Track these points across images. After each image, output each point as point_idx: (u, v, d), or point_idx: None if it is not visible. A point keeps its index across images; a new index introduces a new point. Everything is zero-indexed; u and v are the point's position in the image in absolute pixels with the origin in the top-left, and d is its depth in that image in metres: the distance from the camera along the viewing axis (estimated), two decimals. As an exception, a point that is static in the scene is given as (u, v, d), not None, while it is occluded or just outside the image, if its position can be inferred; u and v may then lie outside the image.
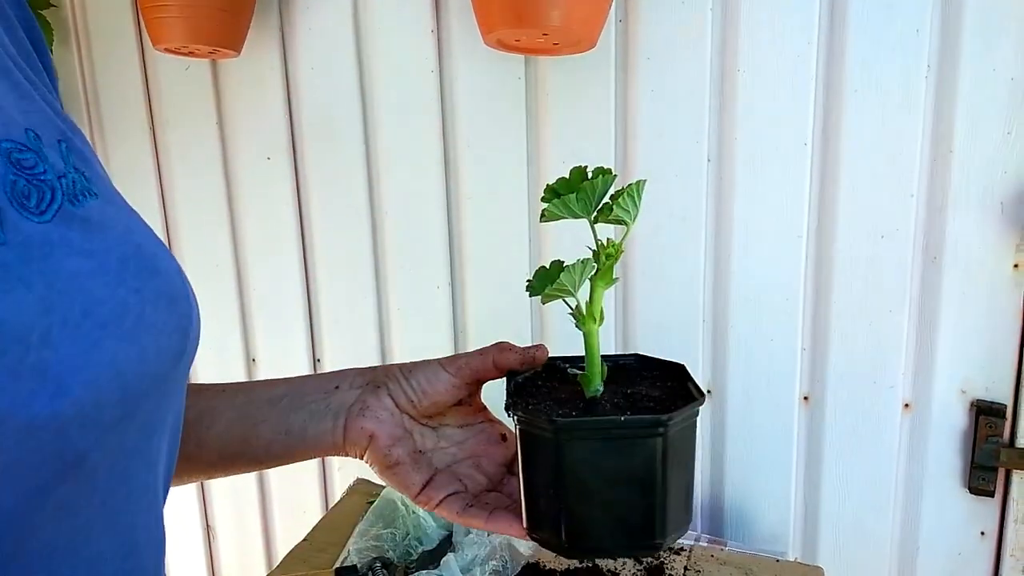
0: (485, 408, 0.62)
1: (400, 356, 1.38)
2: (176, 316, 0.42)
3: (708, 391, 1.19)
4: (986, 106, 0.99)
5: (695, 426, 0.52)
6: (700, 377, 1.19)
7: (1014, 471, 1.07)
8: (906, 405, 1.11)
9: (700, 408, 0.52)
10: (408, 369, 0.60)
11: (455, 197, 1.27)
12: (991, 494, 1.09)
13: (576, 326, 0.53)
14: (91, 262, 0.38)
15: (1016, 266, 1.02)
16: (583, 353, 0.55)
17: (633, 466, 0.50)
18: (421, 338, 1.35)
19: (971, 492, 1.10)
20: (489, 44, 1.04)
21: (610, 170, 0.52)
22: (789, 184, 1.09)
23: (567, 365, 0.60)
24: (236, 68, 1.35)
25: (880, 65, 1.02)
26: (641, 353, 0.61)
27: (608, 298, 1.18)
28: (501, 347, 0.59)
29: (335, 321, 1.41)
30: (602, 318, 0.54)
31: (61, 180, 0.39)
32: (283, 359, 1.47)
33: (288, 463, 0.61)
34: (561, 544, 0.50)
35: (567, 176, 0.53)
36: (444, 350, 1.33)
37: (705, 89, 1.10)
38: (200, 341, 0.48)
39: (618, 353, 0.61)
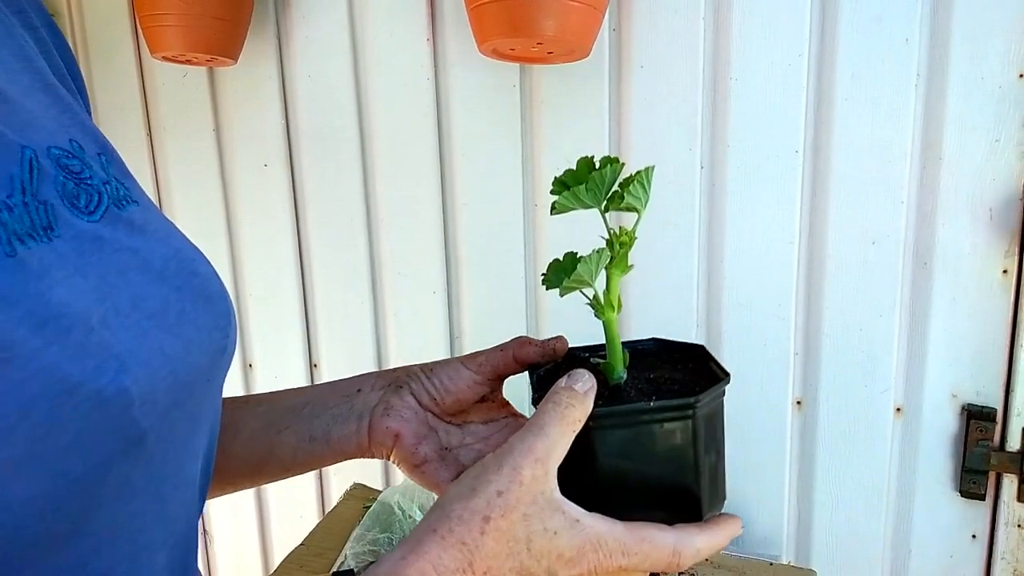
0: (508, 403, 0.62)
1: (396, 361, 1.38)
2: (214, 315, 0.44)
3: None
4: (974, 114, 1.01)
5: (723, 405, 0.52)
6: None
7: (1004, 474, 1.09)
8: (898, 409, 1.12)
9: (726, 387, 0.52)
10: (429, 368, 0.60)
11: (451, 204, 1.28)
12: (982, 497, 1.10)
13: (595, 315, 0.53)
14: (136, 259, 0.40)
15: (1005, 272, 1.04)
16: (600, 342, 0.55)
17: (666, 449, 0.50)
18: (417, 343, 1.36)
19: (962, 495, 1.11)
20: (484, 53, 1.05)
21: (617, 159, 0.52)
22: (781, 191, 1.10)
23: (587, 355, 0.59)
24: (233, 76, 1.36)
25: (870, 74, 1.04)
26: (659, 337, 0.61)
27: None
28: (521, 341, 0.59)
29: (332, 326, 1.42)
30: (620, 305, 0.54)
31: (106, 186, 0.41)
32: (279, 364, 1.48)
33: (314, 468, 0.61)
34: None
35: (574, 168, 0.53)
36: (440, 355, 1.34)
37: (698, 97, 1.11)
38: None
39: (635, 339, 0.61)
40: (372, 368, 1.40)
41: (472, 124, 1.24)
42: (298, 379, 1.46)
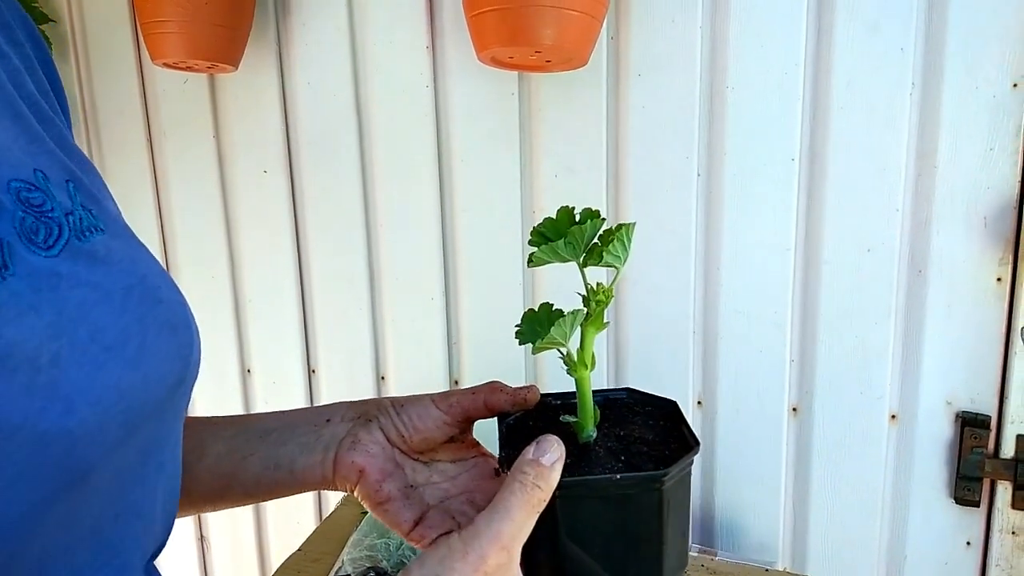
0: (478, 444, 0.61)
1: (394, 367, 1.39)
2: (177, 344, 0.44)
3: (699, 402, 1.21)
4: (969, 123, 1.02)
5: (690, 474, 0.52)
6: (690, 388, 1.20)
7: (998, 481, 1.09)
8: (892, 416, 1.13)
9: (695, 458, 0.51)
10: (400, 403, 0.59)
11: (449, 210, 1.29)
12: (976, 504, 1.10)
13: (568, 373, 0.53)
14: (96, 293, 0.39)
15: (999, 280, 1.04)
16: (574, 390, 0.55)
17: (631, 520, 0.49)
18: (415, 350, 1.36)
19: (957, 502, 1.11)
20: (483, 61, 1.05)
21: (598, 212, 0.51)
22: (777, 198, 1.11)
23: (558, 402, 0.59)
24: (234, 83, 1.37)
25: (865, 83, 1.05)
26: (632, 388, 0.61)
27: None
28: (493, 387, 0.58)
29: (330, 332, 1.43)
30: (594, 363, 0.53)
31: (68, 217, 0.41)
32: (278, 371, 1.48)
33: (278, 497, 0.60)
34: None
35: (554, 216, 0.52)
36: (438, 362, 1.35)
37: (695, 105, 1.12)
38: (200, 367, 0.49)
39: (608, 388, 0.61)
40: (370, 375, 1.40)
41: (471, 132, 1.24)
42: (296, 385, 1.47)
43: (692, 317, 1.18)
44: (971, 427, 1.08)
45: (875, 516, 1.16)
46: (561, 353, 0.52)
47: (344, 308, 1.40)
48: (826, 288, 1.12)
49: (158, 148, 1.46)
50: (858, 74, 1.05)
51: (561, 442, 0.48)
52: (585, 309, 0.52)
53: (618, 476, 0.49)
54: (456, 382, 1.35)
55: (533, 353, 0.52)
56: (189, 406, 0.50)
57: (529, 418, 0.59)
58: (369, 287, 1.37)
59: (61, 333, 0.36)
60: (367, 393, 1.42)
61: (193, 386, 0.48)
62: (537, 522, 0.46)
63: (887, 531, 1.16)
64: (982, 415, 1.08)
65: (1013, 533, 1.10)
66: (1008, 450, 1.08)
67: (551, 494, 0.47)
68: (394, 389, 1.40)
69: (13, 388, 0.33)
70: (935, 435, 1.11)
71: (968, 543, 1.13)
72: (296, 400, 1.47)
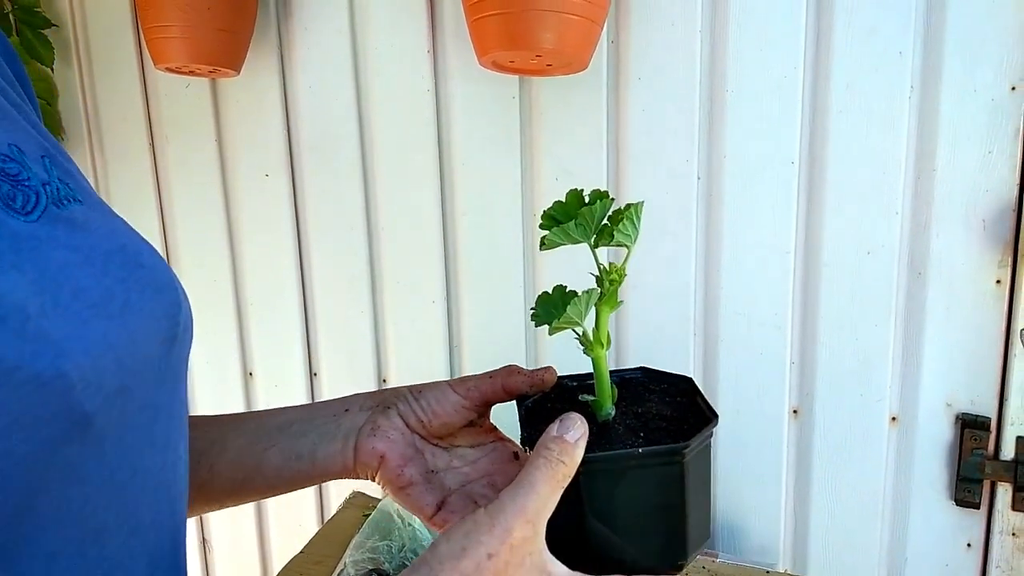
0: (496, 428, 0.62)
1: (396, 370, 1.39)
2: (163, 304, 0.44)
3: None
4: (967, 126, 1.02)
5: (710, 446, 0.53)
6: (691, 391, 1.21)
7: (999, 483, 1.09)
8: (893, 418, 1.13)
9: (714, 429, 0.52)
10: (418, 390, 0.60)
11: (450, 213, 1.29)
12: (976, 506, 1.11)
13: (584, 352, 0.54)
14: (77, 255, 0.40)
15: (999, 282, 1.05)
16: (589, 371, 0.55)
17: (654, 494, 0.50)
18: (417, 352, 1.37)
19: (957, 504, 1.12)
20: (484, 65, 1.06)
21: (607, 193, 0.51)
22: (777, 201, 1.11)
23: (575, 383, 0.60)
24: (235, 87, 1.37)
25: (864, 86, 1.05)
26: (646, 366, 0.62)
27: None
28: (510, 370, 0.59)
29: (332, 335, 1.43)
30: (609, 341, 0.54)
31: (45, 187, 0.41)
32: (280, 373, 1.48)
33: (300, 488, 0.61)
34: (589, 570, 0.50)
35: (563, 200, 0.53)
36: (439, 364, 1.35)
37: (695, 109, 1.13)
38: (195, 337, 0.49)
39: (622, 368, 0.62)
40: (372, 377, 1.41)
41: (472, 135, 1.25)
42: (298, 388, 1.47)
43: (692, 319, 1.19)
44: (971, 429, 1.08)
45: (876, 518, 1.16)
46: (576, 333, 0.53)
47: (345, 311, 1.40)
48: (826, 290, 1.12)
49: (160, 152, 1.47)
50: (857, 77, 1.05)
51: (584, 419, 0.49)
52: (599, 289, 0.53)
53: (640, 450, 0.49)
54: (457, 385, 1.35)
55: (550, 334, 0.52)
56: (192, 409, 0.50)
57: (547, 400, 0.59)
58: (370, 290, 1.37)
59: (44, 290, 0.36)
60: (369, 396, 1.42)
61: (188, 350, 0.48)
62: (561, 499, 0.47)
63: (887, 533, 1.17)
64: (982, 417, 1.08)
65: (1013, 535, 1.10)
66: (1008, 452, 1.08)
67: (575, 470, 0.47)
68: (395, 392, 1.40)
69: (5, 334, 0.33)
70: (935, 437, 1.11)
71: (968, 545, 1.13)
72: (298, 403, 1.47)
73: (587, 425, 0.49)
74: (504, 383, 0.58)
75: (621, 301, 0.54)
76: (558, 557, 0.50)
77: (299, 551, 1.16)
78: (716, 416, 0.52)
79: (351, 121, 1.31)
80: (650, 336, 1.20)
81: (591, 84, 1.15)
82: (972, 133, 1.02)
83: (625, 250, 0.52)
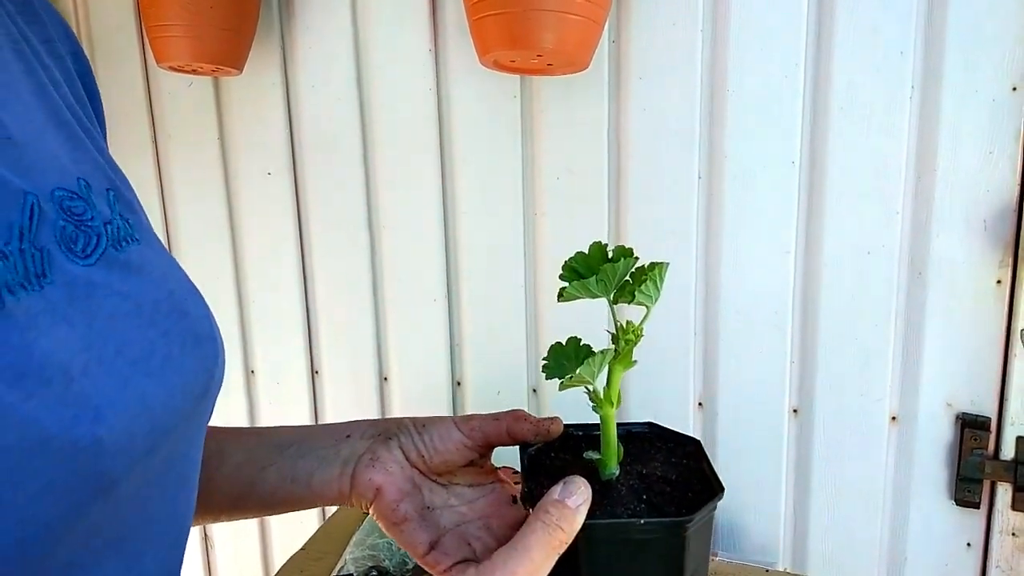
0: (496, 470, 0.61)
1: (397, 368, 1.40)
2: (201, 357, 0.45)
3: (700, 404, 1.21)
4: (968, 126, 1.02)
5: (712, 518, 0.51)
6: (691, 389, 1.21)
7: (999, 483, 1.09)
8: (893, 418, 1.13)
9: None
10: (421, 424, 0.59)
11: (452, 212, 1.30)
12: (976, 506, 1.11)
13: (593, 410, 0.53)
14: (127, 304, 0.40)
15: (999, 282, 1.05)
16: (596, 423, 0.54)
17: (653, 564, 0.49)
18: (417, 350, 1.37)
19: (957, 504, 1.12)
20: (486, 65, 1.06)
21: (631, 251, 0.51)
22: (777, 201, 1.11)
23: (581, 434, 0.59)
24: (238, 85, 1.37)
25: (865, 86, 1.05)
26: (654, 422, 0.61)
27: (601, 313, 1.20)
28: (516, 416, 0.58)
29: (333, 334, 1.43)
30: (619, 400, 0.53)
31: (107, 226, 0.42)
32: (282, 371, 1.49)
33: (294, 510, 0.60)
34: None
35: (586, 252, 0.52)
36: (440, 362, 1.35)
37: (696, 108, 1.13)
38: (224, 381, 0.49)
39: (628, 421, 0.60)
40: (373, 376, 1.41)
41: (473, 134, 1.25)
42: (299, 386, 1.48)
43: (693, 319, 1.19)
44: (971, 429, 1.08)
45: (875, 517, 1.16)
46: (587, 390, 0.52)
47: (347, 309, 1.41)
48: (826, 290, 1.12)
49: (163, 150, 1.47)
50: (858, 77, 1.05)
51: (588, 485, 0.48)
52: (614, 347, 0.52)
53: (642, 521, 0.48)
54: (458, 383, 1.36)
55: (560, 389, 0.51)
56: None
57: (551, 449, 0.58)
58: (372, 288, 1.38)
59: (91, 345, 0.37)
60: (370, 394, 1.42)
61: (216, 397, 0.48)
62: (559, 561, 0.46)
63: (887, 532, 1.17)
64: (982, 417, 1.08)
65: (1013, 535, 1.10)
66: (1008, 452, 1.08)
67: (573, 536, 0.46)
68: (397, 390, 1.40)
69: (49, 398, 0.33)
70: (935, 437, 1.11)
71: (968, 544, 1.13)
72: (299, 401, 1.48)
73: (591, 491, 0.48)
74: (509, 428, 0.57)
75: (635, 361, 0.53)
76: None
77: (300, 547, 1.16)
78: (722, 489, 0.51)
79: (353, 120, 1.31)
80: (650, 335, 1.20)
81: (592, 83, 1.16)
82: (973, 133, 1.02)
83: (645, 310, 0.52)
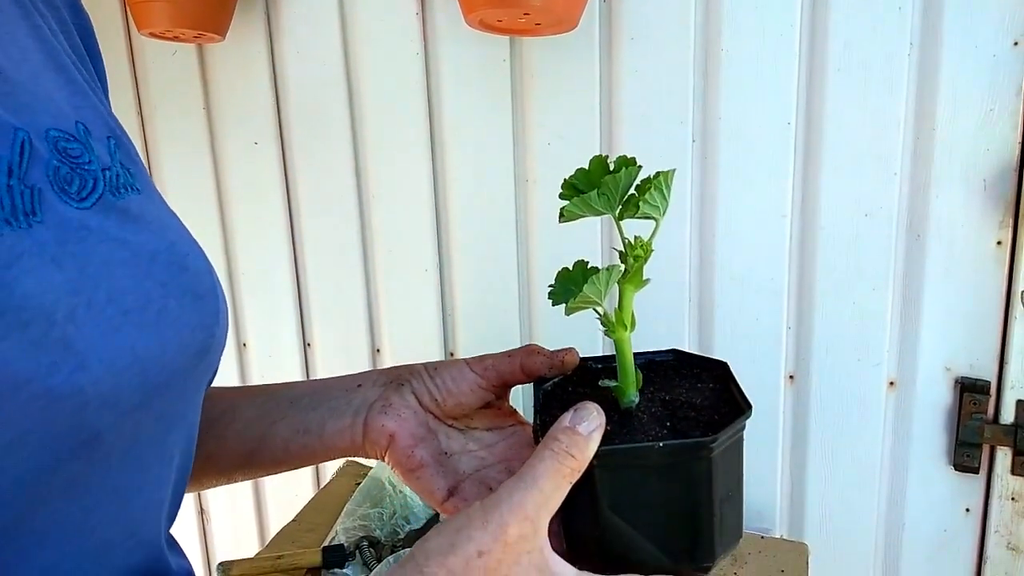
0: (515, 411, 0.59)
1: (389, 339, 1.38)
2: (200, 313, 0.43)
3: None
4: (968, 84, 0.99)
5: (742, 439, 0.48)
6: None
7: (998, 447, 1.08)
8: (891, 383, 1.12)
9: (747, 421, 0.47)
10: (433, 367, 0.57)
11: (442, 180, 1.27)
12: (976, 471, 1.09)
13: (605, 334, 0.50)
14: (123, 251, 0.39)
15: (999, 243, 1.03)
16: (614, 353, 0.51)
17: (678, 491, 0.46)
18: (410, 321, 1.36)
19: (956, 469, 1.10)
20: (472, 25, 1.04)
21: (634, 160, 0.47)
22: (773, 164, 1.09)
23: (599, 366, 0.56)
24: (222, 53, 1.35)
25: (863, 44, 1.02)
26: (679, 349, 0.57)
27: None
28: (529, 350, 0.56)
29: (324, 305, 1.42)
30: (634, 323, 0.50)
31: (105, 172, 0.40)
32: (274, 344, 1.47)
33: (308, 464, 0.59)
34: (604, 570, 0.46)
35: (586, 167, 0.48)
36: (433, 332, 1.34)
37: (689, 69, 1.10)
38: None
39: (652, 350, 0.57)
40: (365, 347, 1.40)
41: (462, 99, 1.23)
42: (292, 358, 1.46)
43: (688, 285, 1.17)
44: (970, 393, 1.07)
45: (873, 483, 1.15)
46: (597, 313, 0.49)
47: (338, 280, 1.39)
48: (823, 254, 1.10)
49: (148, 121, 1.45)
50: (855, 35, 1.02)
51: (601, 410, 0.45)
52: (622, 265, 0.49)
53: (660, 444, 0.45)
54: (452, 353, 1.35)
55: (567, 314, 0.48)
56: None
57: (568, 383, 0.55)
58: (362, 258, 1.36)
59: (80, 290, 0.35)
60: (364, 366, 1.41)
61: (219, 358, 0.47)
62: (576, 491, 0.44)
63: (885, 498, 1.16)
64: (981, 381, 1.07)
65: (1013, 499, 1.09)
66: (1008, 416, 1.06)
67: (587, 464, 0.44)
68: (389, 361, 1.39)
69: (24, 342, 0.32)
70: (934, 401, 1.10)
71: (967, 510, 1.12)
72: (293, 374, 1.47)
73: (604, 416, 0.45)
74: (523, 363, 0.55)
75: (647, 279, 0.49)
76: (571, 553, 0.47)
77: (292, 519, 1.15)
78: (750, 406, 0.48)
79: (340, 86, 1.29)
80: (644, 302, 1.18)
81: (582, 44, 1.13)
82: (973, 91, 0.99)
83: (653, 223, 0.48)
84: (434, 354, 1.35)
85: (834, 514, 1.18)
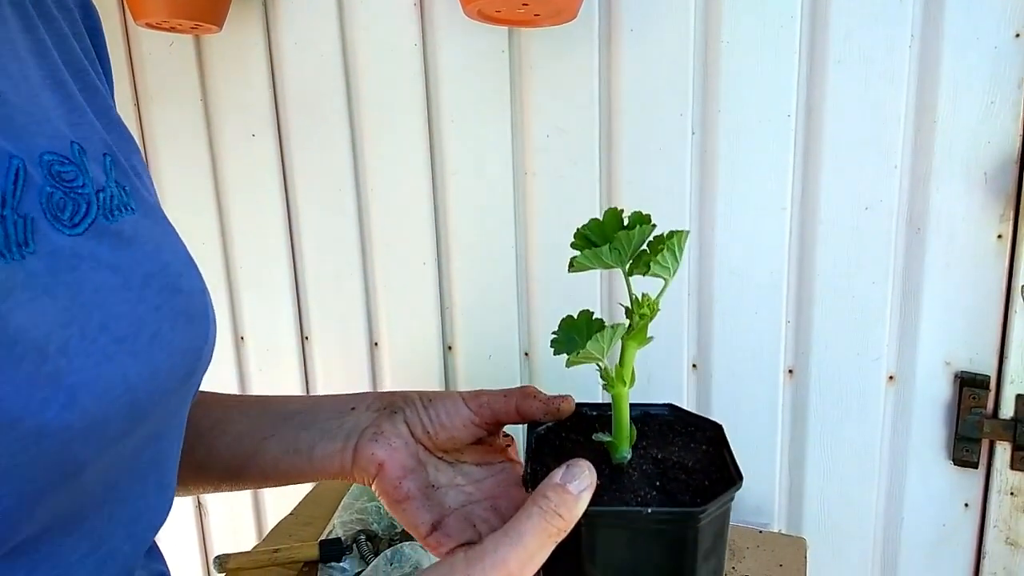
0: (506, 448, 0.58)
1: (387, 333, 1.38)
2: (191, 336, 0.43)
3: (694, 365, 1.20)
4: (969, 76, 0.99)
5: (729, 509, 0.48)
6: (685, 350, 1.19)
7: (997, 442, 1.08)
8: (890, 377, 1.11)
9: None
10: (428, 398, 0.56)
11: (440, 172, 1.27)
12: (975, 465, 1.09)
13: (605, 388, 0.50)
14: (116, 277, 0.39)
15: (1000, 237, 1.02)
16: (609, 402, 0.51)
17: (662, 558, 0.46)
18: (408, 315, 1.35)
19: (955, 464, 1.10)
20: (470, 16, 1.03)
21: (648, 217, 0.47)
22: (772, 156, 1.09)
23: (594, 414, 0.56)
24: (219, 44, 1.34)
25: (863, 35, 1.02)
26: (674, 404, 0.57)
27: (593, 272, 1.18)
28: (526, 393, 0.55)
29: (322, 299, 1.41)
30: (633, 379, 0.49)
31: (99, 194, 0.40)
32: (271, 338, 1.47)
33: (296, 483, 0.58)
34: None
35: (600, 218, 0.48)
36: (431, 327, 1.33)
37: (689, 61, 1.09)
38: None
39: (648, 402, 0.57)
40: (363, 341, 1.39)
41: (461, 91, 1.22)
42: (290, 352, 1.46)
43: (687, 279, 1.17)
44: (970, 387, 1.06)
45: (872, 478, 1.15)
46: (598, 367, 0.49)
47: (336, 274, 1.38)
48: (822, 248, 1.09)
49: (145, 113, 1.44)
50: (856, 26, 1.02)
51: (593, 469, 0.44)
52: (628, 322, 0.48)
53: (649, 510, 0.45)
54: (449, 347, 1.34)
55: (567, 366, 0.48)
56: None
57: (561, 429, 0.55)
58: (361, 252, 1.35)
59: (72, 321, 0.35)
60: (361, 360, 1.41)
61: (203, 375, 0.47)
62: (561, 547, 0.43)
63: (884, 493, 1.15)
64: (981, 375, 1.06)
65: (1012, 494, 1.08)
66: (1007, 410, 1.06)
67: (573, 524, 0.43)
68: (387, 355, 1.39)
69: (17, 378, 0.32)
70: (933, 396, 1.10)
71: (966, 505, 1.12)
72: (290, 368, 1.46)
73: (595, 476, 0.44)
74: (519, 405, 0.55)
75: (651, 337, 0.49)
76: None
77: (289, 512, 1.15)
78: (741, 477, 0.47)
79: (337, 78, 1.28)
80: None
81: (582, 36, 1.12)
82: (974, 83, 0.99)
83: (663, 282, 0.48)
84: (431, 349, 1.34)
85: (833, 509, 1.18)
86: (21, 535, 0.35)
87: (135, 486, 0.43)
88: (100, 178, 0.41)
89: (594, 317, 0.50)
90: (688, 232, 0.49)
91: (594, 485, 0.44)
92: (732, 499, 0.47)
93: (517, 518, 0.43)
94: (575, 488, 0.43)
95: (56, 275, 0.35)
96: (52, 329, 0.34)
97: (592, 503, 0.44)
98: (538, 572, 0.43)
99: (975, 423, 1.07)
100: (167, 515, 0.48)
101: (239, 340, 1.50)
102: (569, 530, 0.43)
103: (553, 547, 0.43)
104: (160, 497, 0.47)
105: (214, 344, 0.47)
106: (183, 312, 0.43)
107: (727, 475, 0.48)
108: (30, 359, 0.32)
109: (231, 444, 0.57)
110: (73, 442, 0.34)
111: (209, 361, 0.47)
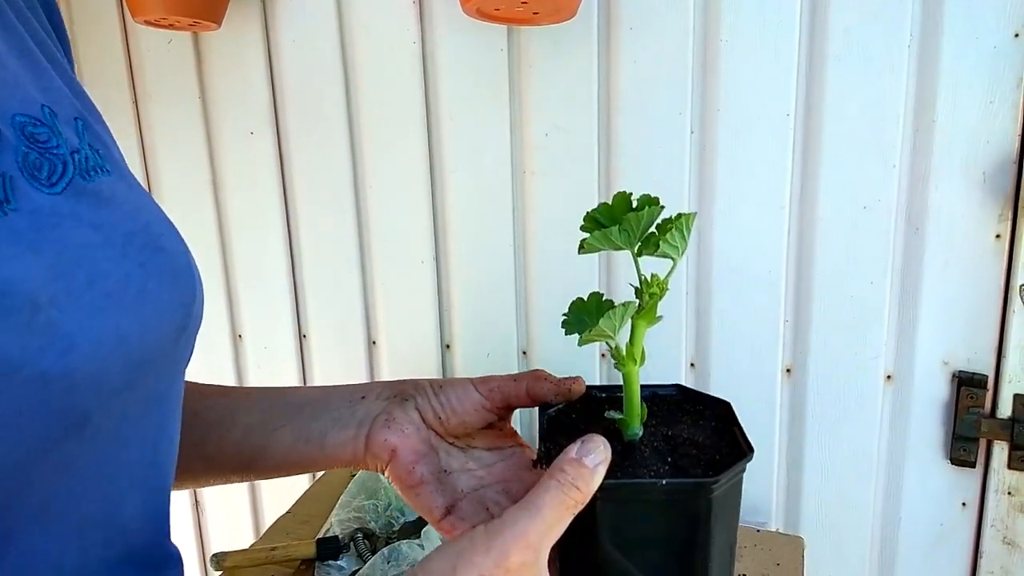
0: (516, 433, 0.59)
1: (385, 333, 1.37)
2: (178, 291, 0.44)
3: (692, 364, 1.19)
4: (969, 75, 0.99)
5: (741, 480, 0.49)
6: (683, 349, 1.19)
7: (995, 442, 1.08)
8: (888, 376, 1.11)
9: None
10: (439, 384, 0.57)
11: (439, 170, 1.26)
12: (972, 465, 1.09)
13: (615, 367, 0.51)
14: (98, 235, 0.39)
15: (998, 236, 1.02)
16: (619, 384, 0.52)
17: (676, 529, 0.47)
18: (406, 314, 1.35)
19: (952, 463, 1.10)
20: (469, 14, 1.03)
21: (657, 199, 0.48)
22: (771, 155, 1.08)
23: (604, 395, 0.57)
24: (218, 41, 1.34)
25: (863, 34, 1.02)
26: (683, 384, 0.59)
27: (592, 269, 1.18)
28: (536, 375, 0.56)
29: (320, 297, 1.41)
30: (643, 358, 0.51)
31: (74, 155, 0.40)
32: (269, 336, 1.47)
33: (307, 472, 0.59)
34: None
35: (609, 202, 0.50)
36: (429, 326, 1.33)
37: (688, 59, 1.09)
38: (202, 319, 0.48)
39: (656, 383, 0.58)
40: (362, 339, 1.39)
41: (459, 89, 1.22)
42: (288, 350, 1.46)
43: (685, 277, 1.16)
44: (968, 387, 1.06)
45: (869, 477, 1.15)
46: (609, 346, 0.50)
47: (334, 272, 1.38)
48: (821, 246, 1.09)
49: (143, 110, 1.44)
50: (855, 25, 1.02)
51: (608, 443, 0.46)
52: (637, 301, 0.50)
53: (663, 482, 0.46)
54: (448, 346, 1.34)
55: (579, 344, 0.49)
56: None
57: (572, 411, 0.56)
58: (359, 250, 1.35)
59: (60, 276, 0.35)
60: (359, 358, 1.40)
61: (195, 336, 0.47)
62: (576, 521, 0.44)
63: (881, 492, 1.15)
64: (979, 375, 1.06)
65: (1009, 494, 1.08)
66: (1005, 410, 1.06)
67: (590, 497, 0.44)
68: (385, 353, 1.38)
69: (11, 327, 0.32)
70: (931, 395, 1.10)
71: (964, 504, 1.12)
72: (287, 365, 1.46)
73: (610, 450, 0.46)
74: (529, 388, 0.55)
75: (660, 316, 0.50)
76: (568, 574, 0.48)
77: (286, 510, 1.15)
78: (752, 450, 0.48)
79: (336, 76, 1.28)
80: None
81: (581, 34, 1.12)
82: (973, 82, 0.99)
83: (671, 262, 0.49)
84: (430, 347, 1.34)
85: (830, 508, 1.18)
86: (39, 489, 0.35)
87: (146, 448, 0.43)
88: (73, 140, 0.41)
89: (604, 298, 0.51)
90: (696, 214, 0.51)
91: (609, 459, 0.45)
92: (743, 471, 0.48)
93: (535, 492, 0.44)
94: (591, 462, 0.44)
95: (39, 231, 0.35)
96: (41, 283, 0.34)
97: (606, 477, 0.45)
98: (554, 547, 0.44)
99: (973, 422, 1.07)
100: (170, 484, 0.48)
101: (237, 338, 1.50)
102: (586, 503, 0.44)
103: (570, 520, 0.44)
104: (168, 462, 0.47)
105: (202, 302, 0.47)
106: (167, 270, 0.43)
107: (738, 450, 0.50)
108: (22, 310, 0.33)
109: (242, 436, 0.58)
110: (75, 390, 0.34)
111: (200, 320, 0.47)
